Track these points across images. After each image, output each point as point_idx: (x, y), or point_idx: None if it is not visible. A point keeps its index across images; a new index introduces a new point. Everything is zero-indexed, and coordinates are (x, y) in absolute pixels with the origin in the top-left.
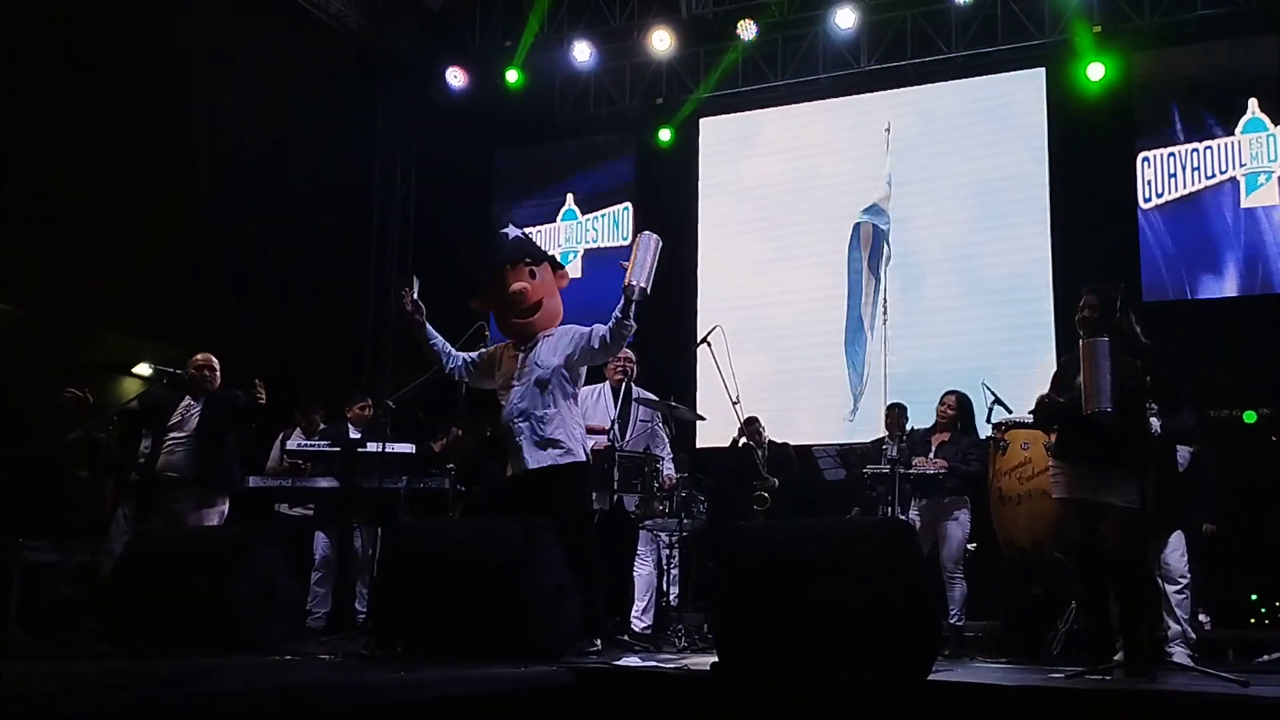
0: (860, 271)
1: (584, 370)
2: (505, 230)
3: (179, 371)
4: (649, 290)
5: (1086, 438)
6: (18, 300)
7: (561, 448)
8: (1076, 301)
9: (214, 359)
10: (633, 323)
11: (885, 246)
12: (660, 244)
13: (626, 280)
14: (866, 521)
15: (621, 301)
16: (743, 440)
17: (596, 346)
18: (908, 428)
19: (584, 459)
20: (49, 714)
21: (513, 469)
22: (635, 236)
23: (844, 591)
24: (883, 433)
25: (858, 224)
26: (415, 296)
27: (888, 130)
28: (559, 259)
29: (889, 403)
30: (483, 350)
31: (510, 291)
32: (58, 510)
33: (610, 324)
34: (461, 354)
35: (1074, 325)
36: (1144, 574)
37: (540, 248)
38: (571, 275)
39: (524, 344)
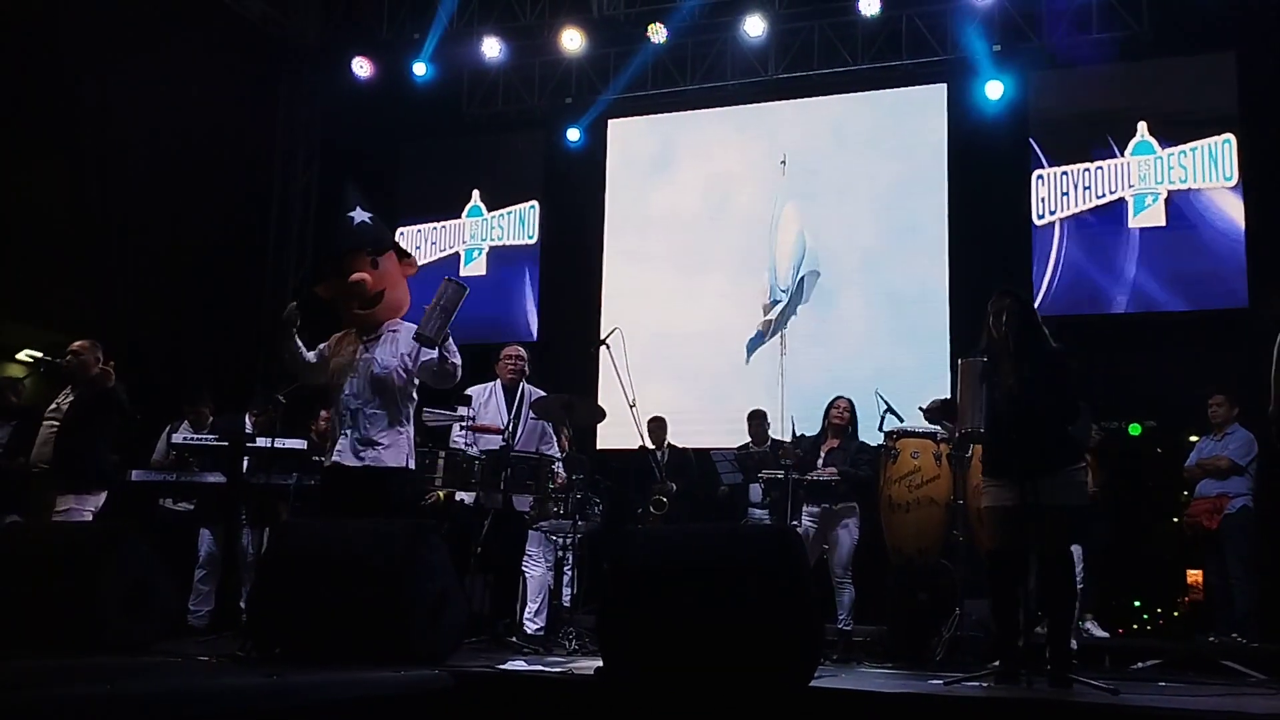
0: (767, 281)
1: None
2: (351, 214)
3: (58, 360)
4: (437, 340)
5: (1010, 450)
6: None
7: (381, 449)
8: (978, 316)
9: (93, 345)
10: (454, 362)
11: (789, 258)
12: (465, 292)
13: (418, 329)
14: (753, 528)
15: (434, 351)
16: (641, 444)
17: (433, 369)
18: (779, 436)
19: (405, 466)
20: None
21: (332, 459)
22: (445, 281)
23: (729, 598)
24: (746, 439)
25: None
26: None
27: (783, 162)
28: (465, 255)
29: (750, 410)
30: (323, 347)
31: (350, 281)
32: None
33: (435, 364)
34: (309, 353)
35: (988, 327)
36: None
37: (386, 235)
38: (475, 273)
39: (366, 334)
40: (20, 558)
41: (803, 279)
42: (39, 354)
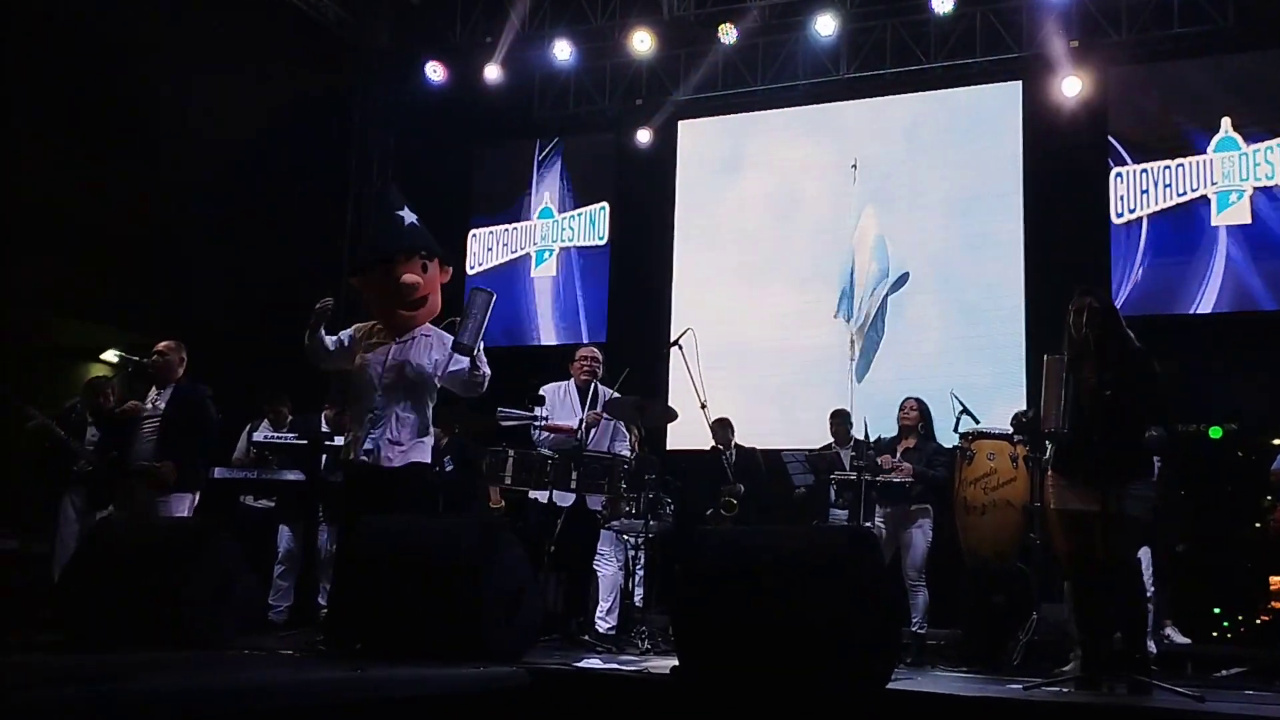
0: (838, 285)
1: None
2: (401, 213)
3: (144, 360)
4: (474, 348)
5: (1083, 451)
6: None
7: (406, 447)
8: (1056, 317)
9: (177, 345)
10: (484, 372)
11: (863, 265)
12: (492, 299)
13: (455, 338)
14: (828, 529)
15: (466, 361)
16: (712, 444)
17: (463, 378)
18: (871, 436)
19: (427, 460)
20: None
21: (352, 455)
22: (472, 291)
23: (804, 599)
24: (829, 439)
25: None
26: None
27: (854, 166)
28: (535, 257)
29: (833, 409)
30: (351, 332)
31: (402, 282)
32: (12, 498)
33: (465, 373)
34: (330, 339)
35: (1068, 327)
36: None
37: (433, 240)
38: (547, 274)
39: (399, 335)
40: (112, 553)
41: (876, 284)
42: (125, 354)
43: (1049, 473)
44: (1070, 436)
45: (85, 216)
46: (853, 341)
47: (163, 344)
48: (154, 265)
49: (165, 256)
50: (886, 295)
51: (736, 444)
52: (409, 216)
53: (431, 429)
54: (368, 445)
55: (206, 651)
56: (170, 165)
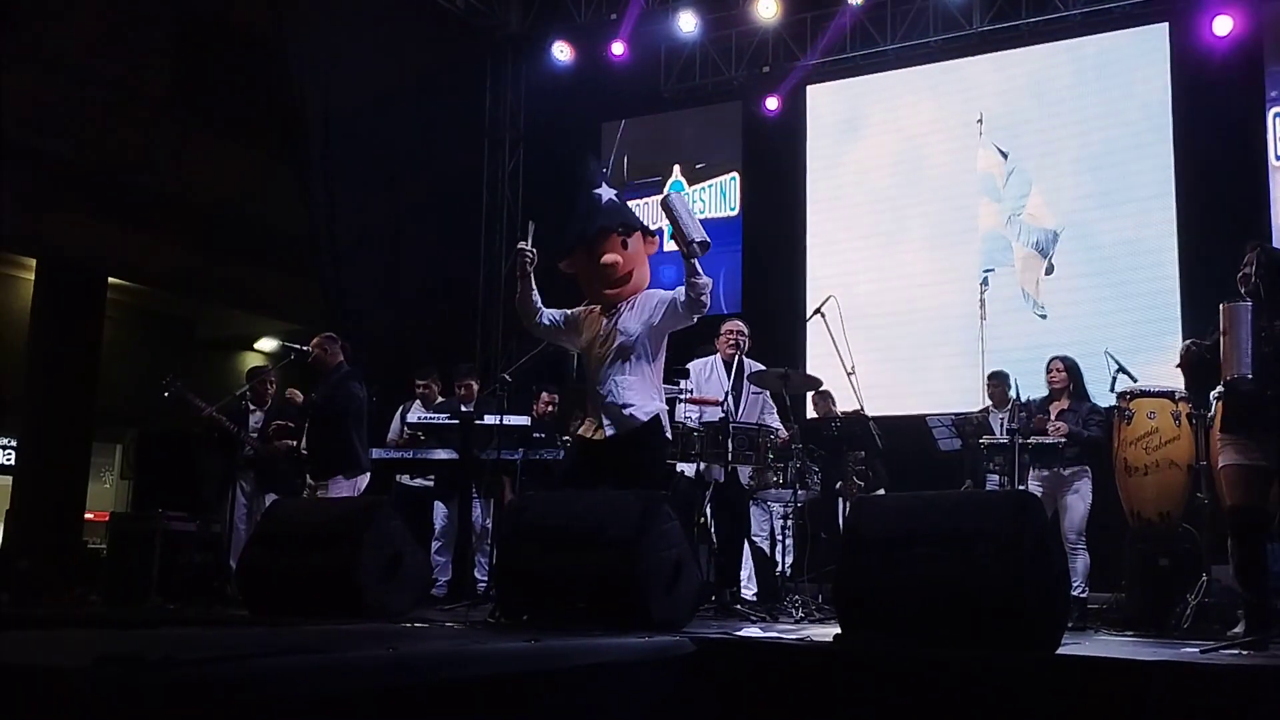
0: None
1: (666, 335)
2: (599, 191)
3: (305, 348)
4: (706, 240)
5: (1254, 407)
6: (144, 279)
7: (635, 409)
8: (1213, 268)
9: (332, 337)
10: (704, 279)
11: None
12: (685, 197)
13: (683, 246)
14: (990, 494)
15: (686, 266)
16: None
17: (681, 311)
18: (1020, 398)
19: (656, 419)
20: (211, 678)
21: (588, 432)
22: (663, 204)
23: (969, 565)
24: (986, 403)
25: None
26: (530, 244)
27: (980, 120)
28: (668, 230)
29: (990, 371)
30: (570, 312)
31: (602, 263)
32: (191, 483)
33: (686, 290)
34: (548, 311)
35: (1240, 279)
36: None
37: (633, 214)
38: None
39: (609, 310)
40: (289, 533)
41: (1016, 244)
42: (285, 343)
43: (1215, 430)
44: (1252, 385)
45: (237, 210)
46: (982, 303)
47: (318, 337)
48: (303, 256)
49: (313, 247)
50: (1031, 253)
51: (843, 413)
52: (606, 193)
53: (659, 392)
54: (594, 420)
55: (384, 624)
56: (316, 158)
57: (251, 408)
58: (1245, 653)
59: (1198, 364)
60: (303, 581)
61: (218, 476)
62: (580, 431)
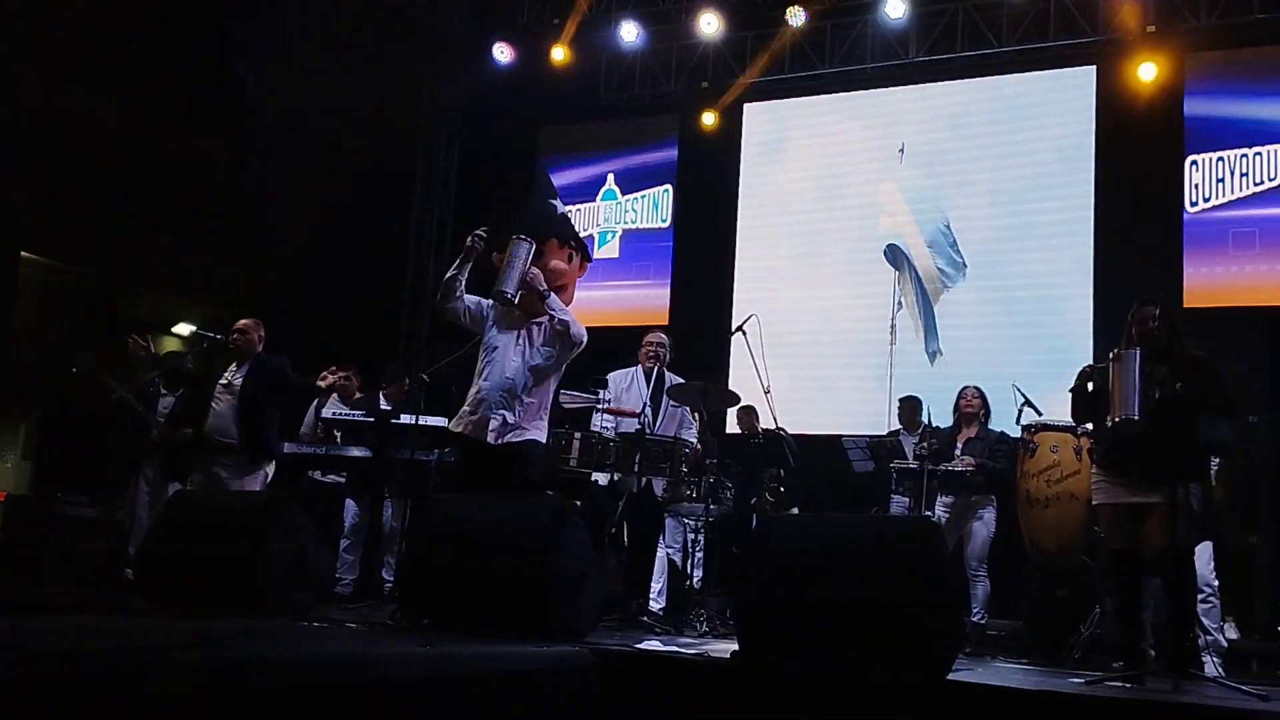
0: (894, 276)
1: (564, 364)
2: (554, 202)
3: (221, 337)
4: (514, 294)
5: (1131, 446)
6: (59, 255)
7: (524, 429)
8: (1126, 308)
9: (256, 324)
10: (560, 319)
11: (911, 258)
12: (531, 248)
13: (495, 288)
14: (894, 518)
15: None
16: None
17: (561, 346)
18: (926, 423)
19: (541, 438)
20: (81, 671)
21: (469, 433)
22: (512, 239)
23: (869, 587)
24: (895, 425)
25: (891, 245)
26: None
27: (901, 151)
28: (599, 238)
29: (901, 395)
30: (489, 303)
31: (551, 268)
32: (94, 467)
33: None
34: (470, 296)
35: (1127, 332)
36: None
37: (577, 234)
38: (609, 255)
39: (535, 317)
40: (193, 523)
41: (930, 274)
42: (201, 330)
43: (1094, 468)
44: (1139, 427)
45: (162, 187)
46: (893, 328)
47: (243, 322)
48: (229, 240)
49: (240, 232)
50: (942, 285)
51: (764, 429)
52: (561, 206)
53: (547, 410)
54: (492, 425)
55: (284, 621)
56: (249, 141)
57: (163, 392)
58: (1127, 685)
59: (1078, 393)
60: (204, 573)
61: (123, 461)
62: (462, 430)
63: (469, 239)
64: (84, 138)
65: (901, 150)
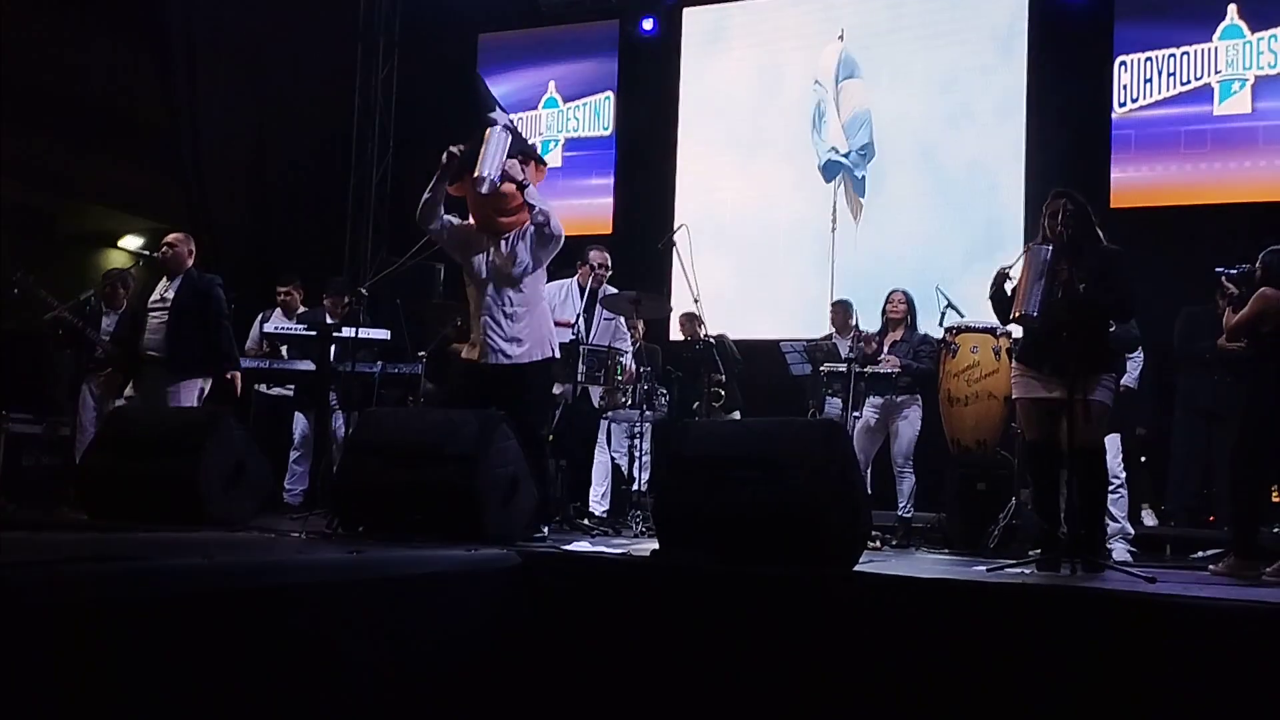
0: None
1: (544, 265)
2: (493, 115)
3: (154, 254)
4: (497, 179)
5: (1045, 343)
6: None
7: (527, 344)
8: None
9: (186, 237)
10: (538, 207)
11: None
12: (509, 136)
13: (475, 173)
14: (800, 422)
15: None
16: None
17: (538, 242)
18: (855, 325)
19: (550, 356)
20: (15, 582)
21: (472, 355)
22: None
23: (776, 488)
24: (829, 329)
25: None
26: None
27: (841, 37)
28: (541, 147)
29: (835, 300)
30: (461, 224)
31: (502, 190)
32: (39, 384)
33: (533, 226)
34: (447, 216)
35: (1041, 225)
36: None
37: (528, 143)
38: (552, 165)
39: (497, 238)
40: (130, 439)
41: (858, 162)
42: (137, 248)
43: (1013, 363)
44: (1039, 323)
45: (99, 103)
46: (834, 221)
47: (171, 235)
48: (165, 153)
49: (176, 144)
50: (872, 172)
51: (705, 335)
52: (502, 118)
53: (546, 321)
54: (493, 345)
55: (221, 532)
56: (179, 55)
57: (105, 309)
58: (1029, 571)
59: (996, 296)
60: (144, 488)
61: (67, 378)
62: (465, 355)
63: (444, 155)
64: (21, 56)
65: (841, 37)
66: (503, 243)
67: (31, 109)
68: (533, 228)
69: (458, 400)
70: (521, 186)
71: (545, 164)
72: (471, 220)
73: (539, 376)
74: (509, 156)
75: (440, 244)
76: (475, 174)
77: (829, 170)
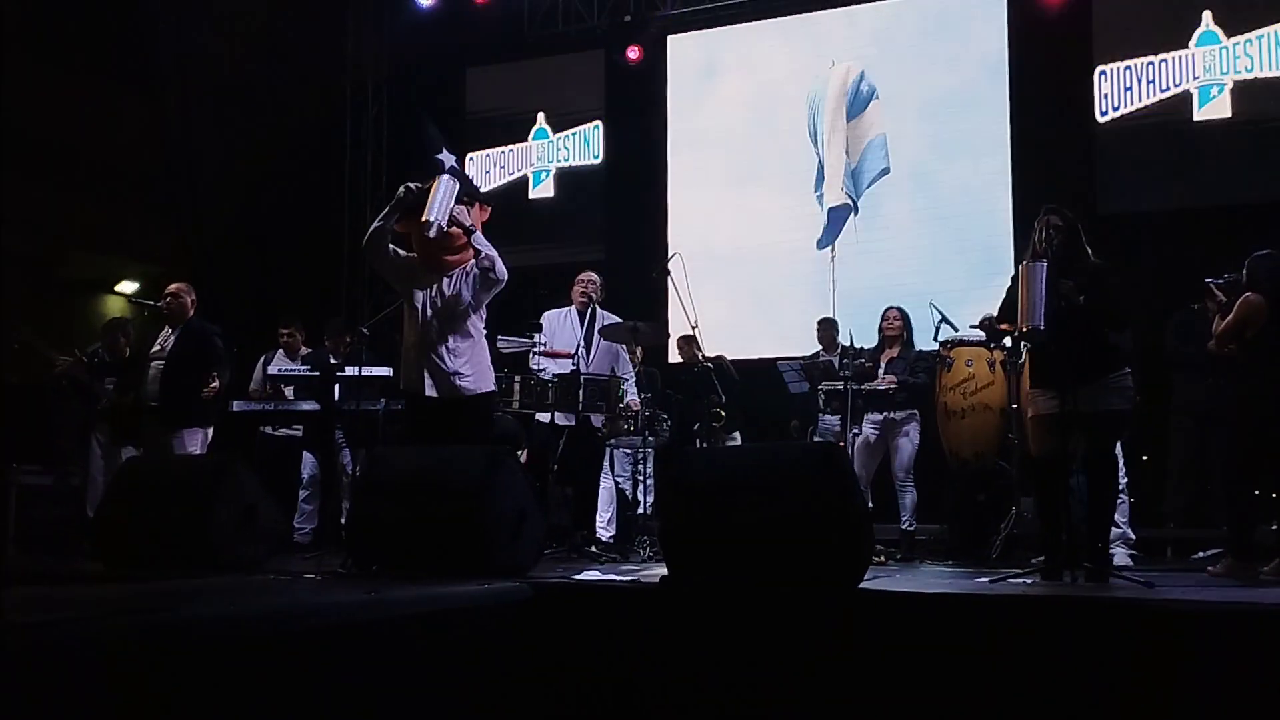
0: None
1: (484, 305)
2: (440, 157)
3: (156, 304)
4: (444, 224)
5: (1049, 359)
6: None
7: (472, 376)
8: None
9: (188, 287)
10: (483, 251)
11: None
12: (456, 183)
13: (423, 216)
14: (800, 445)
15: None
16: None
17: (480, 285)
18: (846, 343)
19: (490, 390)
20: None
21: (412, 389)
22: (437, 172)
23: (780, 510)
24: (817, 347)
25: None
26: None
27: (832, 65)
28: (533, 178)
29: (820, 318)
30: (411, 255)
31: (448, 230)
32: (47, 435)
33: (476, 270)
34: (392, 247)
35: (1031, 243)
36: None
37: (472, 184)
38: (544, 195)
39: (441, 274)
40: (142, 489)
41: (858, 189)
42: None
43: (1025, 381)
44: (1044, 336)
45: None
46: (833, 251)
47: (174, 286)
48: (161, 196)
49: (172, 187)
50: (868, 198)
51: (703, 357)
52: (448, 159)
53: (485, 356)
54: (432, 380)
55: (235, 577)
56: (174, 96)
57: (108, 360)
58: (1030, 581)
59: (990, 333)
60: (157, 536)
61: (74, 428)
62: (405, 387)
63: (401, 189)
64: (18, 102)
65: (833, 65)
66: (446, 281)
67: (25, 155)
68: (477, 270)
69: (415, 436)
70: (468, 232)
71: (490, 205)
72: (415, 255)
73: (485, 409)
74: (455, 202)
75: (383, 273)
76: (423, 218)
77: (835, 215)
